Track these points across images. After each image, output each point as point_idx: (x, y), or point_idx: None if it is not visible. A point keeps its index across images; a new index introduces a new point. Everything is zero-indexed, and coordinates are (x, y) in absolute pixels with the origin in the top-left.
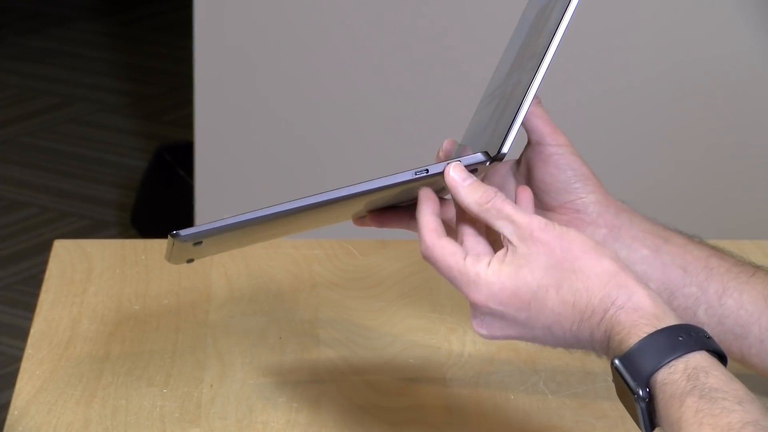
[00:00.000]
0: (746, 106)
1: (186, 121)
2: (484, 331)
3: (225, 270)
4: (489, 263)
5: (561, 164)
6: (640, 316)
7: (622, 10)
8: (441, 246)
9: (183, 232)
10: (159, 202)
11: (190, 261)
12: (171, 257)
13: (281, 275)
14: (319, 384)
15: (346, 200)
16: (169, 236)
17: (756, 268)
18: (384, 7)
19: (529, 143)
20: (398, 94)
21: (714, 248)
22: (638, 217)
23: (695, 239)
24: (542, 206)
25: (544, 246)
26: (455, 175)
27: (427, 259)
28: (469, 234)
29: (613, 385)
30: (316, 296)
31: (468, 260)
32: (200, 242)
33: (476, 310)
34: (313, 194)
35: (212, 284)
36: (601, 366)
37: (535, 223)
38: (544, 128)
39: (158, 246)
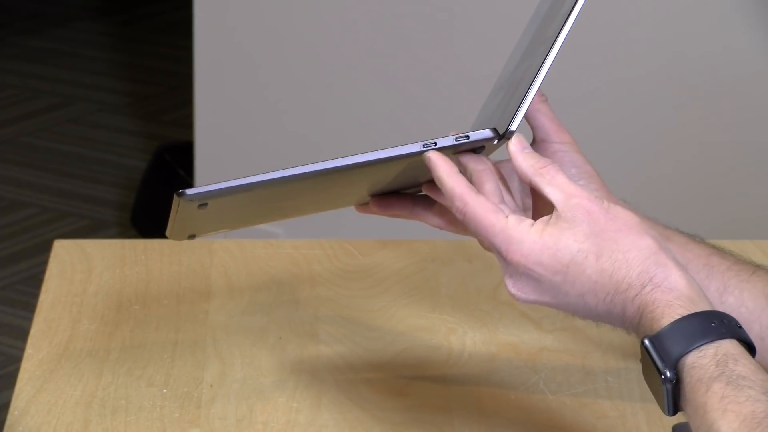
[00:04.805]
0: (747, 106)
1: (186, 121)
2: (518, 293)
3: (225, 270)
4: (532, 224)
5: (565, 162)
6: (675, 297)
7: (621, 7)
8: (481, 203)
9: (189, 190)
10: (159, 202)
11: (192, 237)
12: (173, 229)
13: (281, 275)
14: (319, 384)
15: (353, 170)
16: (174, 195)
17: (756, 267)
18: (385, 6)
19: (534, 140)
20: (401, 93)
21: (714, 247)
22: (640, 215)
23: (696, 238)
24: None
25: (589, 215)
26: (516, 141)
27: (465, 215)
28: (498, 194)
29: (613, 385)
30: (316, 296)
31: (512, 218)
32: (205, 204)
33: (512, 270)
34: (318, 161)
35: (212, 284)
36: (601, 366)
37: (584, 193)
38: (549, 126)
39: (158, 246)
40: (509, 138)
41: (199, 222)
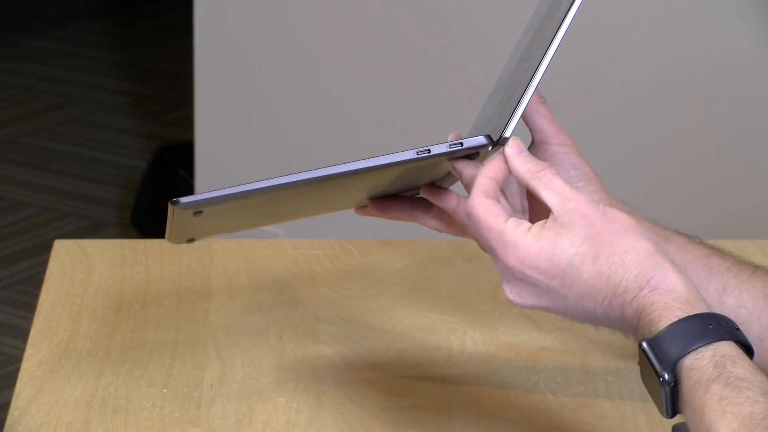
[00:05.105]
0: (746, 106)
1: (186, 121)
2: (515, 298)
3: (225, 270)
4: (529, 228)
5: (564, 164)
6: (673, 299)
7: (621, 8)
8: (486, 206)
9: (183, 199)
10: (159, 202)
11: (191, 241)
12: (171, 234)
13: (281, 275)
14: (319, 384)
15: (348, 177)
16: (169, 204)
17: (755, 267)
18: (384, 7)
19: (533, 142)
20: (402, 93)
21: (713, 248)
22: (639, 217)
23: (695, 239)
24: None
25: (585, 218)
26: (513, 145)
27: (470, 216)
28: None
29: (613, 385)
30: (316, 296)
31: (509, 223)
32: (200, 212)
33: (509, 274)
34: (311, 169)
35: (212, 284)
36: (601, 366)
37: (581, 197)
38: (548, 128)
39: (158, 246)
40: (504, 144)
41: (196, 227)
